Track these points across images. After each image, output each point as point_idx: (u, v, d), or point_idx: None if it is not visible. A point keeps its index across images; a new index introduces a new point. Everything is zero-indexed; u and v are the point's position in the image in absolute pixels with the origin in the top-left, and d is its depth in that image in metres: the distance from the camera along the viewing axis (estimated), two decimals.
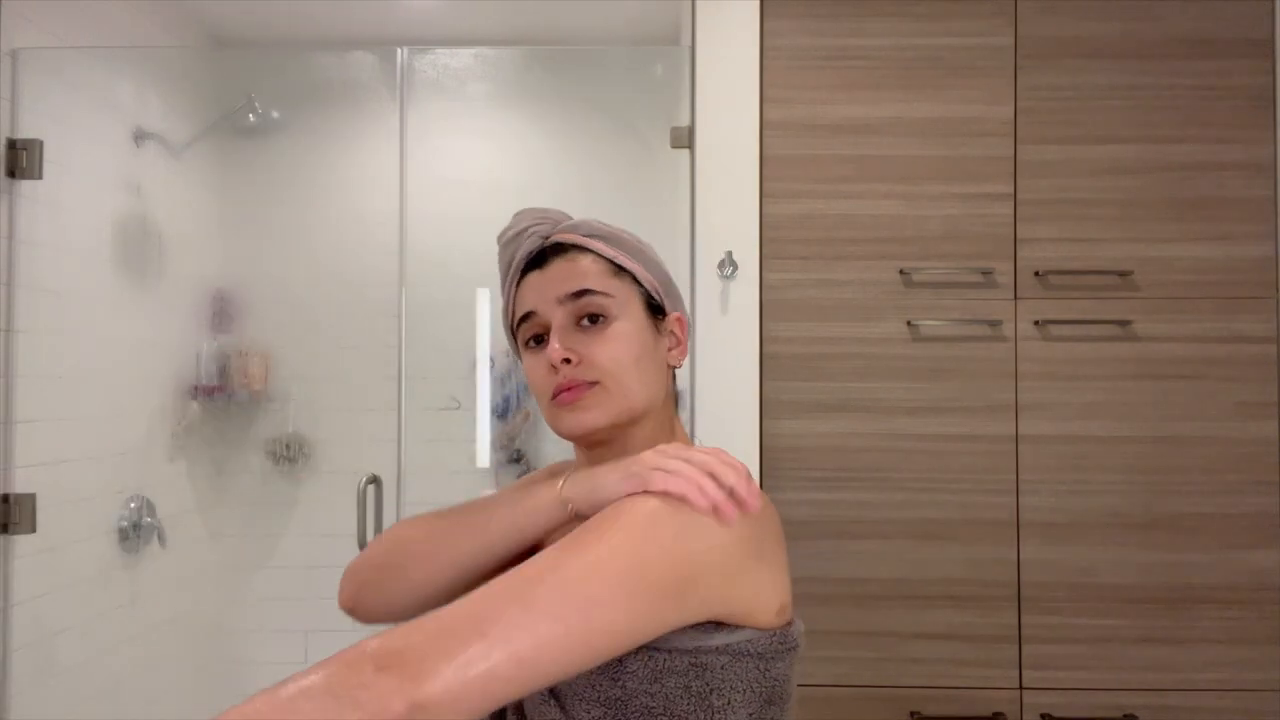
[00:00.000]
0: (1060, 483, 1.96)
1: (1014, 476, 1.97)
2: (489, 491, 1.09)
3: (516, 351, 1.02)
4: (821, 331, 1.99)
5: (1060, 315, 1.97)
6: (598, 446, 0.96)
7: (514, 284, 0.99)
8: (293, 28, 2.88)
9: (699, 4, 2.02)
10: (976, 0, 2.00)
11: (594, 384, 0.92)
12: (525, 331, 0.97)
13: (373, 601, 0.97)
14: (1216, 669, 1.93)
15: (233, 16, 2.81)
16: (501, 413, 2.84)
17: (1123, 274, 1.97)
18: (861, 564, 1.96)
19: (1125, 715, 1.91)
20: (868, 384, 1.98)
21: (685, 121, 2.06)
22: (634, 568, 0.74)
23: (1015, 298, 1.98)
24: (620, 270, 0.96)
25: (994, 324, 1.98)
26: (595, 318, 0.93)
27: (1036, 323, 1.98)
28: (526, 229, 0.99)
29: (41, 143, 2.07)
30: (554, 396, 0.93)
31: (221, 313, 2.86)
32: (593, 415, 0.92)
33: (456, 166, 2.83)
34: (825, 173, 2.00)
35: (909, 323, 1.98)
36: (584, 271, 0.95)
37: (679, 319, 1.00)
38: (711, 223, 1.99)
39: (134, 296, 2.53)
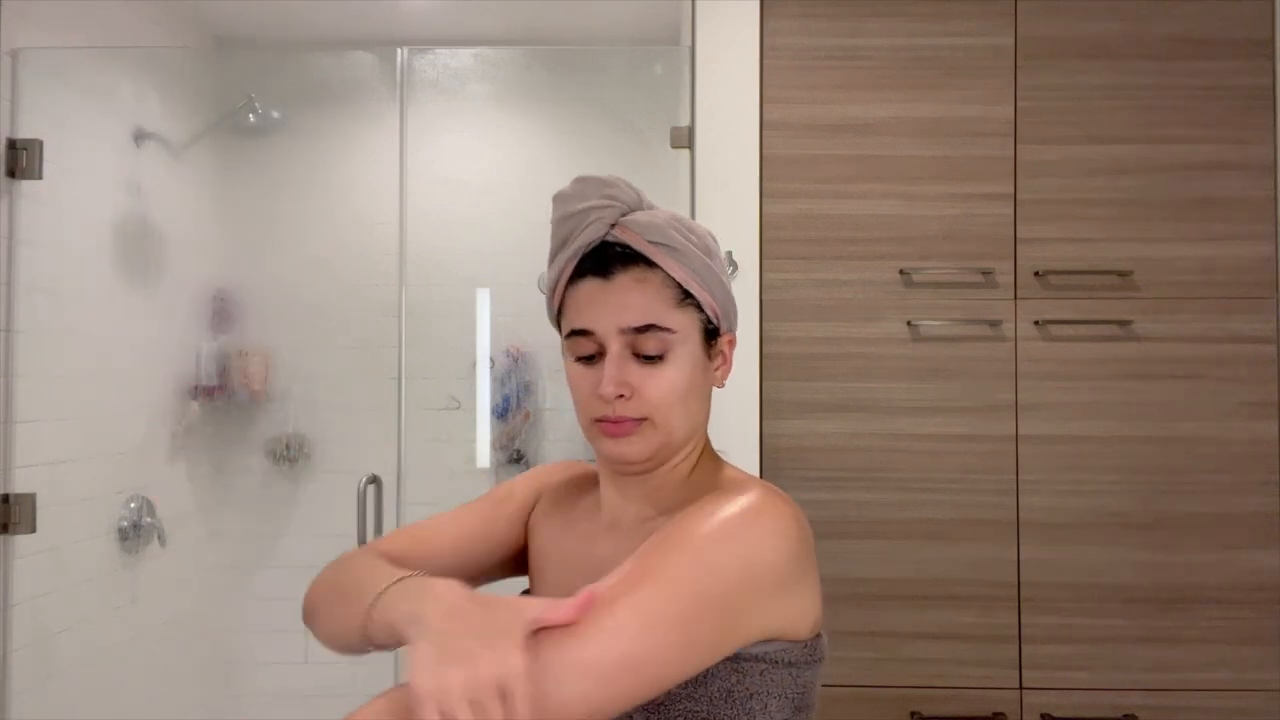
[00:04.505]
0: (1060, 483, 1.96)
1: (1014, 476, 1.97)
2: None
3: (556, 324, 0.96)
4: (821, 331, 1.99)
5: (1060, 315, 1.97)
6: (631, 475, 0.93)
7: (566, 277, 0.92)
8: (293, 28, 2.88)
9: (699, 4, 2.02)
10: (976, 0, 2.00)
11: (642, 420, 0.88)
12: (575, 345, 0.91)
13: (317, 629, 0.93)
14: (1216, 669, 1.93)
15: (233, 16, 2.81)
16: (501, 413, 2.84)
17: (1123, 274, 1.97)
18: (861, 564, 1.96)
19: (1125, 715, 1.91)
20: (868, 384, 1.98)
21: (685, 121, 2.06)
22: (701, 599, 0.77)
23: (1015, 298, 1.98)
24: (686, 296, 0.90)
25: (994, 324, 1.98)
26: (654, 354, 0.88)
27: (1036, 323, 1.98)
28: (589, 210, 0.90)
29: (41, 143, 2.07)
30: (598, 420, 0.89)
31: (221, 313, 2.86)
32: (635, 449, 0.89)
33: (456, 166, 2.83)
34: (825, 173, 2.00)
35: (909, 323, 1.98)
36: (650, 300, 0.88)
37: (730, 340, 0.97)
38: (712, 223, 1.98)
39: (134, 296, 2.53)
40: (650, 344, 0.88)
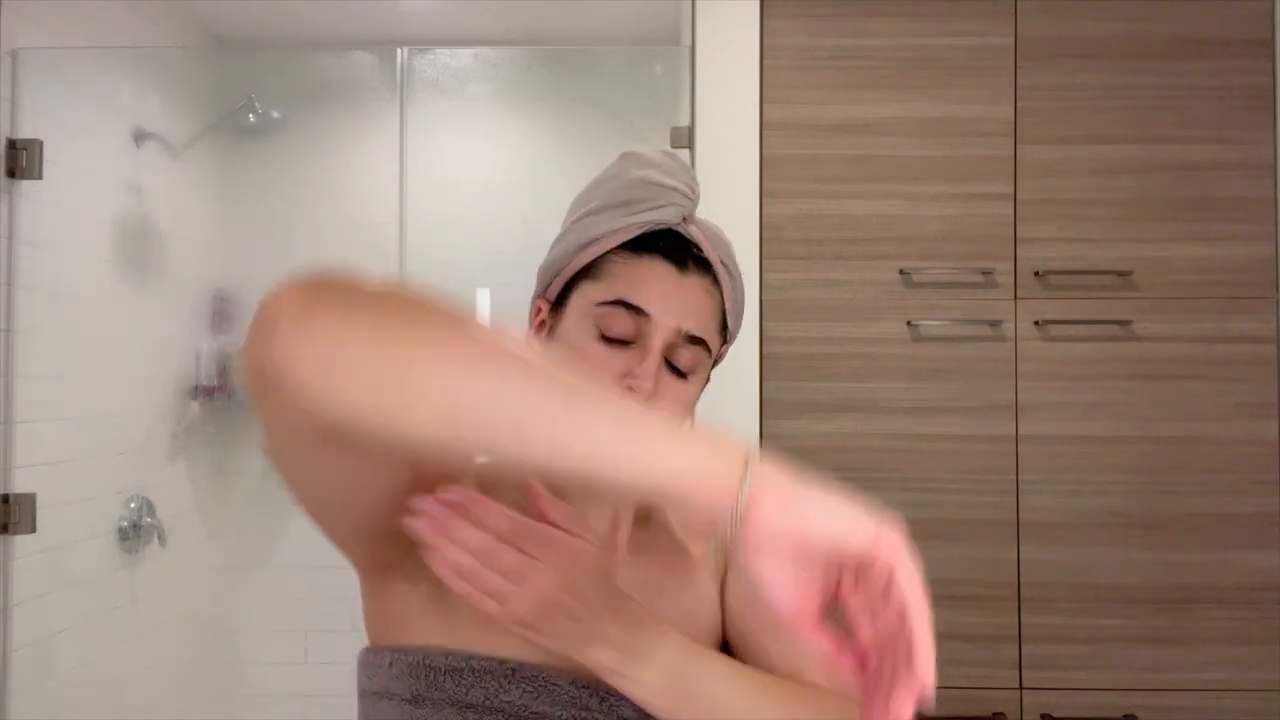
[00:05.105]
0: (1060, 483, 1.96)
1: (1014, 476, 1.97)
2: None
3: (548, 290, 0.86)
4: (821, 331, 1.99)
5: (1060, 315, 1.97)
6: None
7: (621, 240, 0.82)
8: (293, 28, 2.88)
9: (699, 4, 2.02)
10: (976, 0, 2.00)
11: None
12: (609, 319, 0.80)
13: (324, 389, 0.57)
14: (1216, 669, 1.93)
15: (233, 16, 2.81)
16: None
17: (1123, 274, 1.97)
18: None
19: (1125, 715, 1.91)
20: (868, 384, 1.98)
21: (685, 121, 2.06)
22: None
23: (1015, 298, 1.98)
24: (724, 327, 0.87)
25: (994, 324, 1.98)
26: (684, 370, 0.82)
27: (1036, 323, 1.98)
28: (674, 190, 0.83)
29: (41, 143, 2.07)
30: None
31: (221, 313, 2.86)
32: None
33: (456, 167, 2.83)
34: (825, 173, 2.00)
35: (909, 323, 1.98)
36: (710, 315, 0.83)
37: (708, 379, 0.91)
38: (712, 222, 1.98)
39: (134, 296, 2.53)
40: (688, 357, 0.81)
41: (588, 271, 0.83)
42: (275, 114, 2.82)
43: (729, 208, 1.99)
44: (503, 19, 2.79)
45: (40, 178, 2.07)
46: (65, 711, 2.17)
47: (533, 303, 0.89)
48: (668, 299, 0.80)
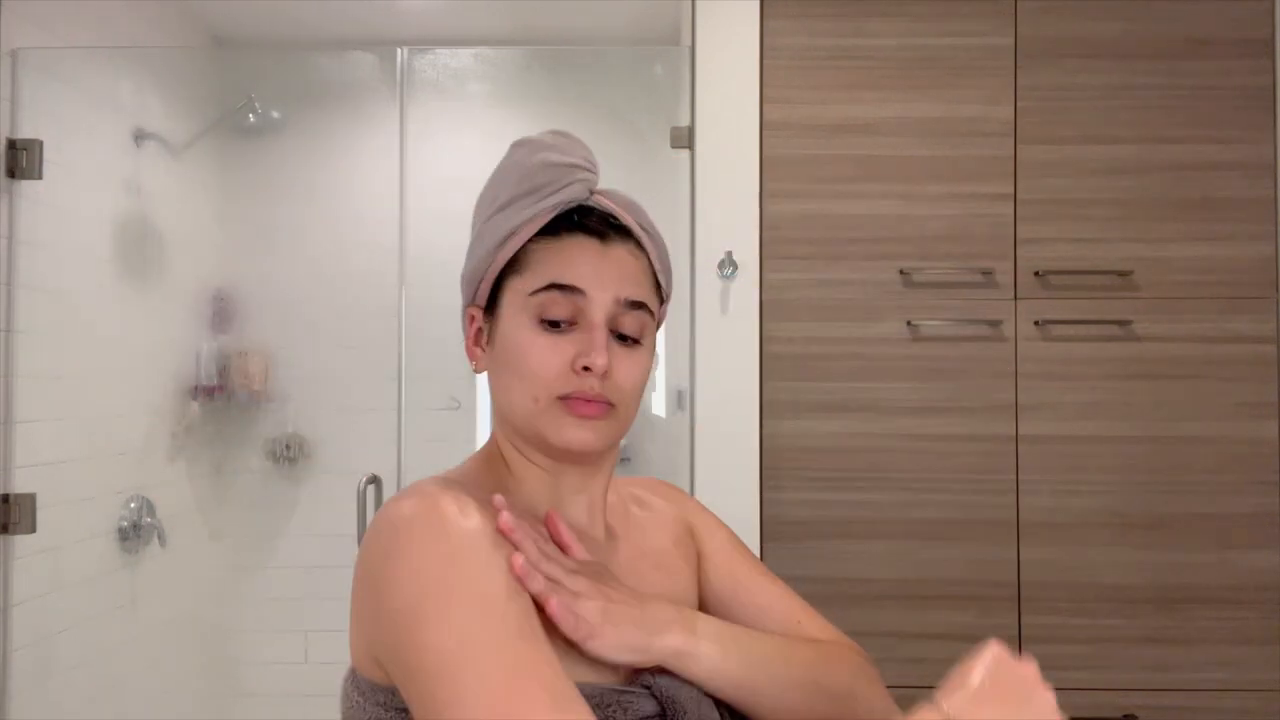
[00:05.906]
0: (1060, 483, 1.96)
1: (1014, 476, 1.97)
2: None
3: (477, 296, 0.85)
4: (821, 331, 1.99)
5: (1060, 315, 1.97)
6: (582, 463, 0.84)
7: (537, 228, 0.82)
8: (293, 28, 2.88)
9: (699, 4, 2.02)
10: (976, 0, 2.00)
11: (610, 405, 0.80)
12: (547, 304, 0.79)
13: None
14: (1216, 669, 1.93)
15: (233, 16, 2.81)
16: None
17: (1123, 274, 1.97)
18: (861, 564, 1.96)
19: (1125, 715, 1.91)
20: (868, 384, 1.98)
21: (685, 121, 2.06)
22: None
23: (1015, 298, 1.98)
24: (657, 287, 0.86)
25: (994, 324, 1.98)
26: (633, 336, 0.82)
27: (1036, 323, 1.98)
28: (575, 167, 0.83)
29: (41, 143, 2.07)
30: (564, 398, 0.79)
31: (221, 313, 2.86)
32: (597, 438, 0.80)
33: (456, 166, 2.81)
34: (825, 173, 2.00)
35: (909, 323, 1.98)
36: (641, 277, 0.83)
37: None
38: (711, 223, 1.99)
39: (134, 296, 2.53)
40: (633, 323, 0.81)
41: (512, 266, 0.82)
42: (275, 114, 2.82)
43: (729, 208, 1.99)
44: (503, 19, 2.79)
45: (40, 178, 2.07)
46: (65, 711, 2.17)
47: (463, 313, 0.88)
48: (598, 272, 0.80)
